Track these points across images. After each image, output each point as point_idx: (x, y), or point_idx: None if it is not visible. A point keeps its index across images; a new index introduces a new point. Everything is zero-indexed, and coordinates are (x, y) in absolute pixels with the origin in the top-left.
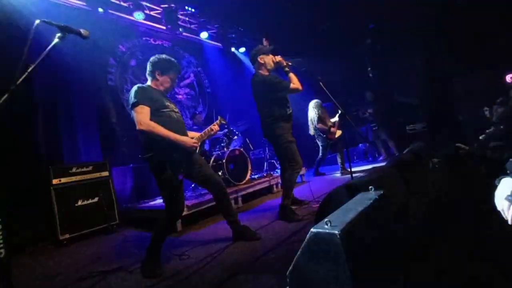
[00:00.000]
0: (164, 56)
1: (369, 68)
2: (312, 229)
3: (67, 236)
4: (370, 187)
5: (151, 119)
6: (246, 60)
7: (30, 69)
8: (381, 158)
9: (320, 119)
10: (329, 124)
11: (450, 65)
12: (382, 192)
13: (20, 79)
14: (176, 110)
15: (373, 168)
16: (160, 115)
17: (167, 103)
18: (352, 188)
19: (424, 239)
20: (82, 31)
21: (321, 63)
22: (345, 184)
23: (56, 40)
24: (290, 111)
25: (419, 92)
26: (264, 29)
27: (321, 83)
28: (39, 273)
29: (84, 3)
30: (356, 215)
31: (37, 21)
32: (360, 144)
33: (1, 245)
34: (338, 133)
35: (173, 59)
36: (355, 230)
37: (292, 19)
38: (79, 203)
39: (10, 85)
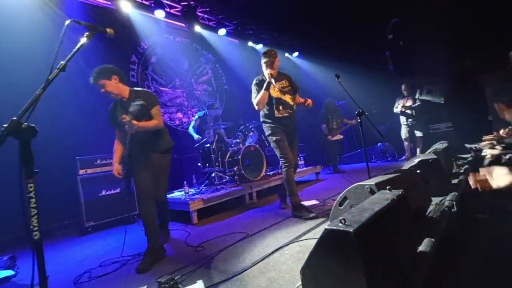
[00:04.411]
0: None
1: (391, 64)
2: (326, 227)
3: (92, 223)
4: (388, 187)
5: (120, 136)
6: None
7: (61, 66)
8: (404, 157)
9: (326, 120)
10: (334, 126)
11: (478, 61)
12: (400, 193)
13: (53, 75)
14: (128, 118)
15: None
16: (120, 131)
17: (121, 117)
18: (369, 188)
19: (442, 243)
20: (107, 30)
21: (340, 60)
22: (362, 183)
23: (84, 38)
24: (283, 114)
25: (445, 89)
26: (281, 26)
27: (338, 80)
28: (66, 256)
29: (110, 2)
30: (372, 214)
31: (68, 21)
32: (379, 143)
33: (36, 229)
34: (337, 137)
35: (106, 66)
36: (370, 229)
37: (311, 15)
38: (103, 193)
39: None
